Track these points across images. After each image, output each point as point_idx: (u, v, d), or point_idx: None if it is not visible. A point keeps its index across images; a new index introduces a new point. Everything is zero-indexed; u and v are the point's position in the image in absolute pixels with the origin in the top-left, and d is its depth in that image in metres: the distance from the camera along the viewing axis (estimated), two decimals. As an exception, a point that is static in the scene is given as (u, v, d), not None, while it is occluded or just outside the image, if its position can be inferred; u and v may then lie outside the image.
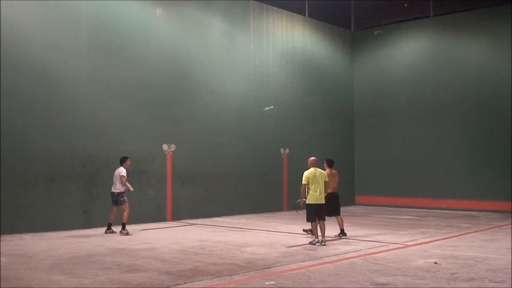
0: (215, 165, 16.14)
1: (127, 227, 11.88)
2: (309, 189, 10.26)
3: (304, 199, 10.50)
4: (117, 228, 11.89)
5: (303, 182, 10.30)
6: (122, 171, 11.94)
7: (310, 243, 10.19)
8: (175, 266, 7.94)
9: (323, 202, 10.31)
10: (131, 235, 11.58)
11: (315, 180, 10.25)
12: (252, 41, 17.71)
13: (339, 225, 11.40)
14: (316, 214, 10.22)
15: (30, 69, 12.25)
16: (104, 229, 12.00)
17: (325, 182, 10.36)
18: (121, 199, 11.82)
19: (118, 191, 11.84)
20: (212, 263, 8.23)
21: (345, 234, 11.28)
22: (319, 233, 10.22)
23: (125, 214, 11.84)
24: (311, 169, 10.42)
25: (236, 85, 17.07)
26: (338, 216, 11.41)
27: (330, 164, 11.50)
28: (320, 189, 10.23)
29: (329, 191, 10.93)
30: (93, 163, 13.18)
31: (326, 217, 10.54)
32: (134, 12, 14.43)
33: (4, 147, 11.67)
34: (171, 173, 14.97)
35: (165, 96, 15.01)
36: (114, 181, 11.95)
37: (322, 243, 10.06)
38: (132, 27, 14.33)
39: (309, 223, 10.41)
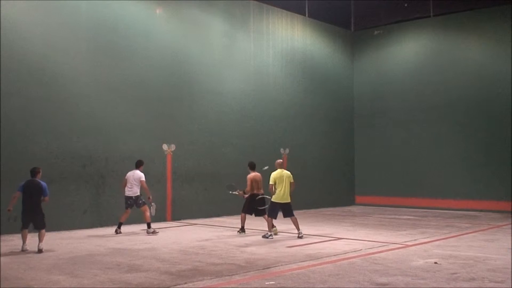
0: (215, 165, 16.14)
1: (124, 226, 11.93)
2: (276, 189, 11.12)
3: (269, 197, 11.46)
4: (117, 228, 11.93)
5: (270, 182, 11.16)
6: (141, 175, 11.97)
7: (263, 236, 11.06)
8: (175, 266, 7.94)
9: (288, 201, 11.19)
10: (158, 232, 11.83)
11: (281, 181, 11.11)
12: (252, 41, 17.71)
13: (241, 221, 12.04)
14: (277, 211, 11.18)
15: (30, 69, 12.26)
16: (105, 228, 11.99)
17: (290, 183, 11.19)
18: (140, 201, 11.93)
19: (135, 194, 11.88)
20: (212, 263, 8.23)
21: (244, 231, 11.95)
22: (288, 227, 11.59)
23: (148, 213, 11.99)
24: (278, 170, 11.29)
25: (236, 85, 17.07)
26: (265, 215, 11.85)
27: (252, 167, 12.21)
28: (285, 189, 11.08)
29: (256, 191, 11.85)
30: (93, 163, 13.18)
31: (251, 216, 11.95)
32: (134, 12, 14.43)
33: (4, 147, 11.67)
34: (171, 173, 14.97)
35: (165, 96, 15.01)
36: (129, 185, 11.87)
37: (299, 236, 11.02)
38: (132, 27, 14.33)
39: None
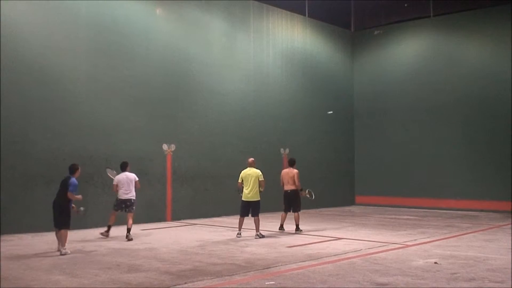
0: (215, 165, 16.14)
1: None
2: (243, 187, 11.34)
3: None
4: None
5: (239, 181, 11.51)
6: (135, 176, 11.43)
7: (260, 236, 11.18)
8: (175, 266, 7.94)
9: (256, 199, 11.29)
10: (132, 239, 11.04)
11: (248, 179, 11.29)
12: (252, 41, 17.71)
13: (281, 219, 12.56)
14: (247, 210, 11.31)
15: (30, 69, 12.26)
16: (105, 228, 11.92)
17: (259, 181, 11.28)
18: (133, 207, 11.35)
19: (134, 198, 11.29)
20: (212, 263, 8.23)
21: (283, 229, 12.37)
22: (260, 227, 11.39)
23: (131, 220, 11.25)
24: (247, 169, 11.46)
25: (236, 85, 17.07)
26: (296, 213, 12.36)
27: (291, 163, 12.46)
28: (251, 188, 11.22)
29: (293, 187, 12.17)
30: (93, 163, 13.17)
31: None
32: (134, 12, 14.43)
33: (4, 147, 11.67)
34: (171, 173, 14.97)
35: (165, 96, 15.01)
36: (125, 187, 11.22)
37: (259, 236, 11.09)
38: (132, 27, 14.33)
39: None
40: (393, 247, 9.81)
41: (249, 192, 11.26)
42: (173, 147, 15.01)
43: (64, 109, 12.81)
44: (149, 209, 14.30)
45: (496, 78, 18.05)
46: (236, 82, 17.08)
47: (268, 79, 18.21)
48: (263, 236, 11.19)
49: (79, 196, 9.54)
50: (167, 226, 13.54)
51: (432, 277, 7.08)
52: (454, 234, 11.83)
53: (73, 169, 9.67)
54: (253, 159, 11.81)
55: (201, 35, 16.15)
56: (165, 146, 14.85)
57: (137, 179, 11.50)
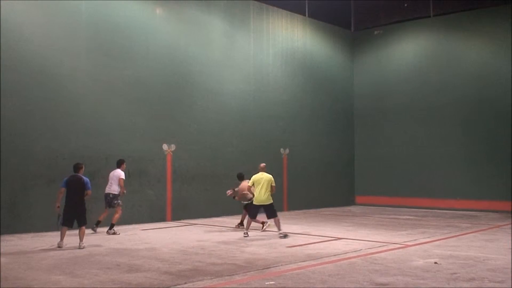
0: (215, 165, 16.14)
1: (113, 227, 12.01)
2: (254, 191, 11.57)
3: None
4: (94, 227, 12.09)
5: (249, 184, 11.79)
6: (121, 173, 11.99)
7: (245, 234, 11.40)
8: (175, 266, 7.94)
9: (268, 202, 11.44)
10: (118, 234, 11.73)
11: (259, 184, 11.46)
12: (252, 41, 17.71)
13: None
14: (257, 212, 11.63)
15: (30, 69, 12.25)
16: (105, 228, 11.97)
17: (271, 186, 11.47)
18: (115, 201, 11.90)
19: (114, 192, 11.89)
20: (212, 263, 8.23)
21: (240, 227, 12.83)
22: (262, 226, 12.14)
23: (117, 216, 11.93)
24: (259, 174, 11.67)
25: (236, 85, 17.07)
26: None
27: (240, 177, 13.08)
28: (263, 191, 11.39)
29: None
30: (93, 163, 13.17)
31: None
32: (134, 12, 14.43)
33: (4, 147, 11.67)
34: (171, 173, 14.97)
35: (165, 96, 15.01)
36: (110, 183, 12.00)
37: (282, 236, 11.13)
38: (132, 27, 14.33)
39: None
40: (393, 247, 9.81)
41: (261, 196, 11.41)
42: (173, 147, 15.02)
43: (64, 109, 12.80)
44: (149, 209, 14.30)
45: (496, 78, 18.06)
46: (236, 82, 17.08)
47: (268, 79, 18.21)
48: (286, 235, 11.20)
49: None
50: (167, 226, 13.54)
51: (432, 277, 7.08)
52: (454, 234, 11.84)
53: (78, 168, 10.23)
54: (264, 164, 11.97)
55: (201, 35, 16.15)
56: (165, 146, 14.85)
57: (121, 176, 11.98)
